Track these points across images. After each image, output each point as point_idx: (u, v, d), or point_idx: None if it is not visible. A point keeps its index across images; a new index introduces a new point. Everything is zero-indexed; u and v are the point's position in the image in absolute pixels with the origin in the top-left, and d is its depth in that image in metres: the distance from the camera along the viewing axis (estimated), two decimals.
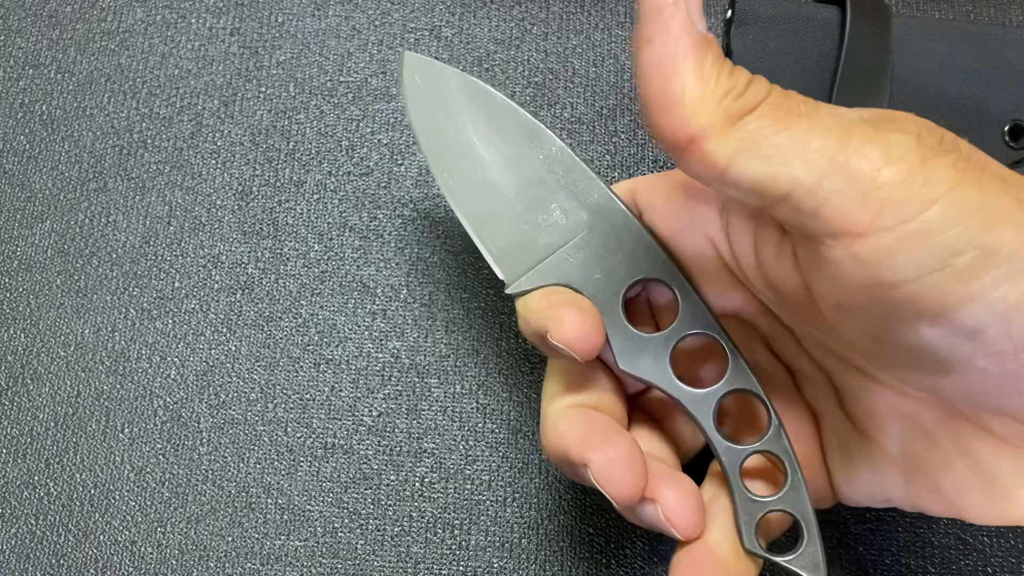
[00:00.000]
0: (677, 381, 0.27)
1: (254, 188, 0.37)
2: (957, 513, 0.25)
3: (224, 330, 0.35)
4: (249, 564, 0.32)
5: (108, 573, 0.32)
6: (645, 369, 0.27)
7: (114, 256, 0.36)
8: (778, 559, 0.26)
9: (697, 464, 0.29)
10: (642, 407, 0.30)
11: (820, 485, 0.28)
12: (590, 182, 0.28)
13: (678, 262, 0.28)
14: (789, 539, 0.27)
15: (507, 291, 0.28)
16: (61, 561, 0.33)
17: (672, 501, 0.25)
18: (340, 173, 0.37)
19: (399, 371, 0.35)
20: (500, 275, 0.28)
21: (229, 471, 0.34)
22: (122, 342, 0.35)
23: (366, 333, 0.35)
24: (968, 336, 0.21)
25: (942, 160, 0.20)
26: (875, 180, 0.20)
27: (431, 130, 0.29)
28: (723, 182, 0.22)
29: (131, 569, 0.32)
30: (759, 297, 0.27)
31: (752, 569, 0.27)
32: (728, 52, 0.34)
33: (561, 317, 0.26)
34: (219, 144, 0.38)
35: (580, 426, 0.26)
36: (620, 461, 0.25)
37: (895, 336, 0.22)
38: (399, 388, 0.35)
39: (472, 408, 0.34)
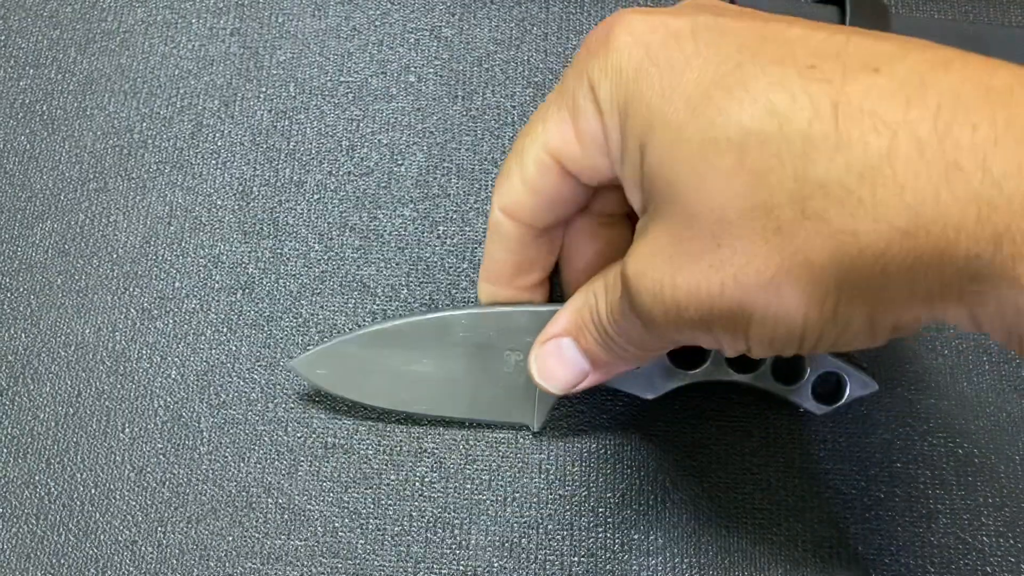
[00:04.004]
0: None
1: (254, 188, 0.37)
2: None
3: (224, 330, 0.35)
4: (249, 563, 0.32)
5: (108, 573, 0.32)
6: (656, 383, 0.32)
7: (114, 256, 0.36)
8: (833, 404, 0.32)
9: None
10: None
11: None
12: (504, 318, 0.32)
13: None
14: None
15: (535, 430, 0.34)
16: (61, 560, 0.33)
17: None
18: (340, 173, 0.37)
19: None
20: (531, 425, 0.33)
21: (229, 471, 0.34)
22: (123, 342, 0.35)
23: None
24: None
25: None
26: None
27: (378, 392, 0.33)
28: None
29: (131, 569, 0.33)
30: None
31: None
32: None
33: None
34: (219, 144, 0.38)
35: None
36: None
37: None
38: None
39: None
